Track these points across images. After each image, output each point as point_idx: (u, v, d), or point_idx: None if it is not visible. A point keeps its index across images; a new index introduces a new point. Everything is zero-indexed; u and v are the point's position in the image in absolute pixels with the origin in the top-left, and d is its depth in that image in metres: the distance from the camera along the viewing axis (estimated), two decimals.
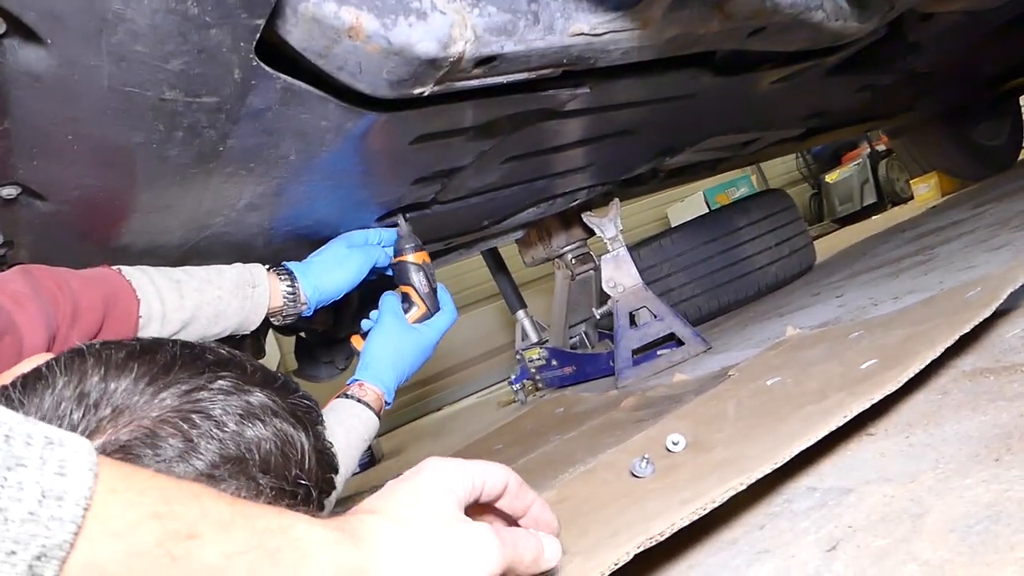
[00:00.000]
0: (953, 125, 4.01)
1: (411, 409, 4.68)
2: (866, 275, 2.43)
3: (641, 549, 0.66)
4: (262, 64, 0.80)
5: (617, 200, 2.56)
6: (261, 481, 0.60)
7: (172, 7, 0.68)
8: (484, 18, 0.83)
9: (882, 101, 2.56)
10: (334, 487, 0.71)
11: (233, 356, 0.67)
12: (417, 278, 1.52)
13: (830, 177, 6.55)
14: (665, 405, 1.72)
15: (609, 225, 2.54)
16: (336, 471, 0.71)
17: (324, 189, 1.22)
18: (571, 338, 3.06)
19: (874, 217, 5.71)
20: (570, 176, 1.86)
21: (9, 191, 1.07)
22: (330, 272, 1.37)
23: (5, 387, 0.59)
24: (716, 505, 0.71)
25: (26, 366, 0.63)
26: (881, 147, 6.28)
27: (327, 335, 2.36)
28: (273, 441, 0.62)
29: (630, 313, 2.47)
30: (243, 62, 0.79)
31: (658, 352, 2.48)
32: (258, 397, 0.64)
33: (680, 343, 2.43)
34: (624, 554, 0.65)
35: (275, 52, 0.83)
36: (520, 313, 3.28)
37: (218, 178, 1.08)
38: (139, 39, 0.72)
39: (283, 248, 1.48)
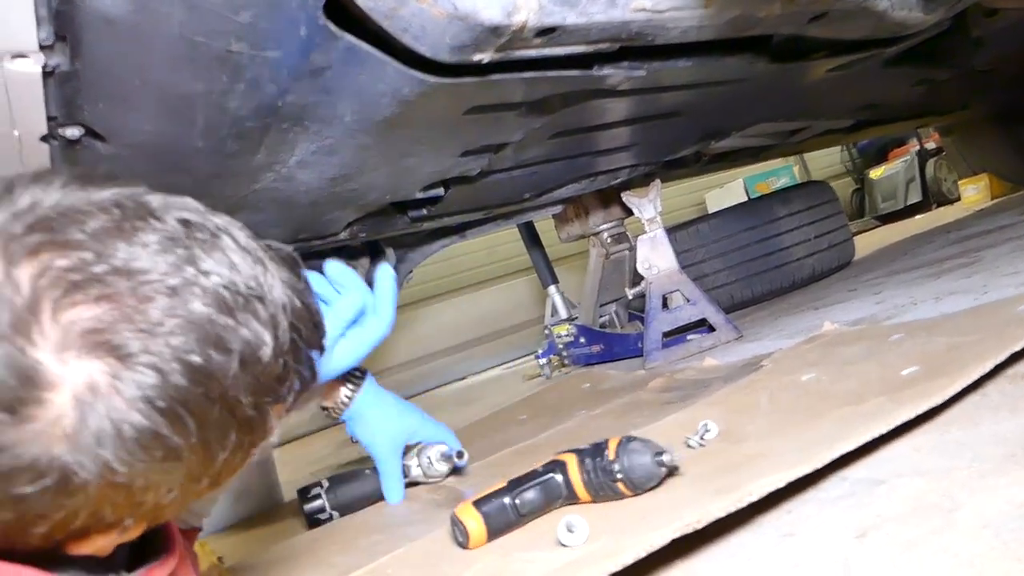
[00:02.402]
0: (1009, 126, 3.90)
1: (436, 377, 4.73)
2: (906, 274, 2.40)
3: (677, 535, 0.68)
4: (328, 22, 0.82)
5: (658, 181, 2.54)
6: (191, 272, 0.55)
7: None
8: None
9: (938, 97, 2.51)
10: (319, 345, 0.67)
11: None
12: None
13: (875, 173, 6.43)
14: (693, 389, 1.72)
15: (648, 206, 2.53)
16: (317, 328, 0.67)
17: (375, 153, 1.24)
18: (601, 317, 3.06)
19: (918, 216, 5.60)
20: (614, 154, 1.85)
21: (73, 132, 1.10)
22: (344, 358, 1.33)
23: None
24: (753, 499, 0.72)
25: None
26: (931, 145, 6.14)
27: None
28: (224, 256, 0.59)
29: (663, 295, 2.47)
30: (310, 19, 0.80)
31: (688, 336, 2.48)
32: (220, 218, 0.63)
33: (711, 329, 2.43)
34: (660, 538, 0.66)
35: (340, 11, 0.84)
36: (551, 288, 3.29)
37: (274, 133, 1.10)
38: None
39: (327, 209, 1.50)
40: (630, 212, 2.74)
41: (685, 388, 1.79)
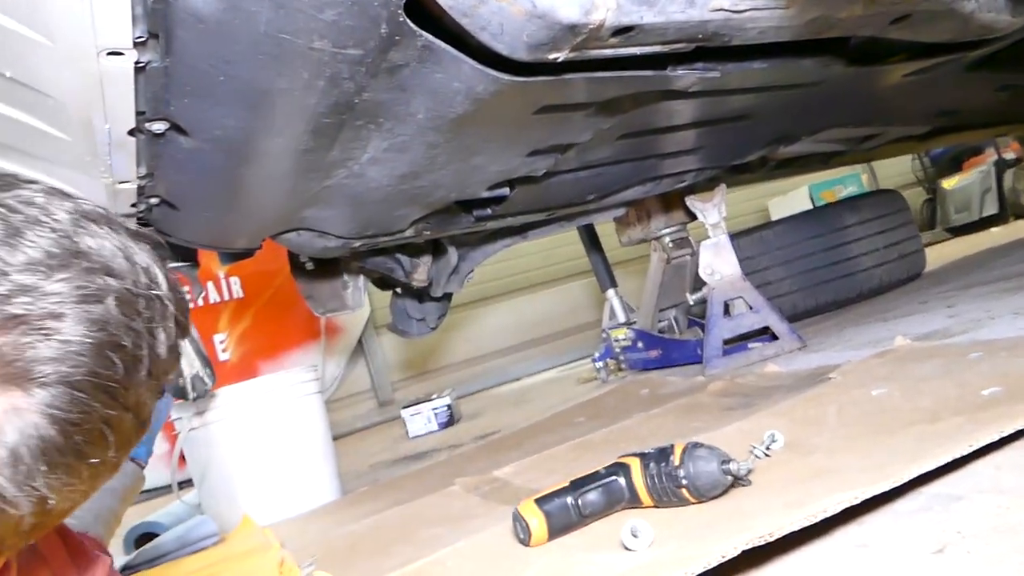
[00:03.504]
0: None
1: (491, 376, 4.75)
2: (981, 287, 2.31)
3: (749, 546, 0.67)
4: (408, 20, 0.83)
5: (723, 186, 2.51)
6: (107, 280, 0.52)
7: None
8: None
9: (1020, 104, 2.41)
10: (177, 311, 0.59)
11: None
12: None
13: (947, 183, 6.21)
14: (755, 396, 1.70)
15: (713, 211, 2.50)
16: (177, 292, 0.60)
17: (444, 151, 1.25)
18: (660, 322, 3.03)
19: (993, 229, 5.39)
20: (680, 157, 1.84)
21: (159, 126, 1.15)
22: None
23: None
24: (827, 515, 0.71)
25: None
26: (1010, 155, 5.89)
27: (422, 293, 2.43)
28: (115, 246, 0.54)
29: (725, 302, 2.43)
30: (391, 17, 0.82)
31: (749, 344, 2.44)
32: (95, 209, 0.56)
33: (774, 337, 2.38)
34: (732, 548, 0.65)
35: (419, 9, 0.85)
36: (610, 292, 3.28)
37: (348, 130, 1.13)
38: None
39: (395, 206, 1.53)
40: (693, 217, 2.71)
41: (747, 394, 1.76)
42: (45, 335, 0.48)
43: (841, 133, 2.09)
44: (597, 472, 0.98)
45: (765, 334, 2.42)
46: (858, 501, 0.72)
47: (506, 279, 5.01)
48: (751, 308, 2.40)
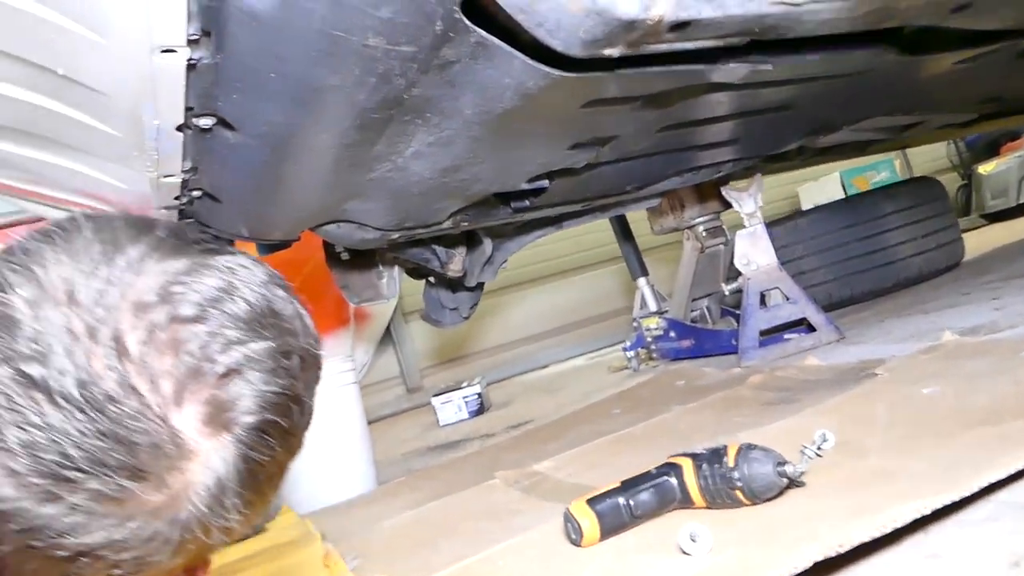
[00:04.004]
0: None
1: (520, 363, 4.75)
2: None
3: (820, 558, 0.66)
4: (463, 17, 0.82)
5: (760, 175, 2.48)
6: (293, 340, 0.57)
7: None
8: None
9: None
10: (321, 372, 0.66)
11: None
12: None
13: (984, 168, 6.07)
14: (797, 391, 1.68)
15: (748, 200, 2.47)
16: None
17: (488, 145, 1.24)
18: (692, 311, 3.01)
19: None
20: (720, 148, 1.81)
21: (206, 121, 1.15)
22: None
23: (23, 239, 0.56)
24: (897, 526, 0.69)
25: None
26: None
27: (455, 282, 2.43)
28: (294, 306, 0.59)
29: (761, 293, 2.41)
30: (446, 14, 0.81)
31: (785, 336, 2.41)
32: (269, 267, 0.61)
33: (811, 329, 2.35)
34: (803, 559, 0.64)
35: (473, 6, 0.84)
36: (641, 280, 3.26)
37: (395, 125, 1.12)
38: None
39: (435, 199, 1.52)
40: (727, 205, 2.68)
41: (788, 388, 1.74)
42: (250, 385, 0.54)
43: (883, 122, 2.05)
44: (648, 472, 0.98)
45: (802, 325, 2.40)
46: (929, 511, 0.70)
47: (535, 265, 4.99)
48: (787, 299, 2.38)
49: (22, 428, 0.48)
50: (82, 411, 0.49)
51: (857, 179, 5.48)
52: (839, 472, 0.95)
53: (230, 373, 0.53)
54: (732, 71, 1.08)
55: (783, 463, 0.89)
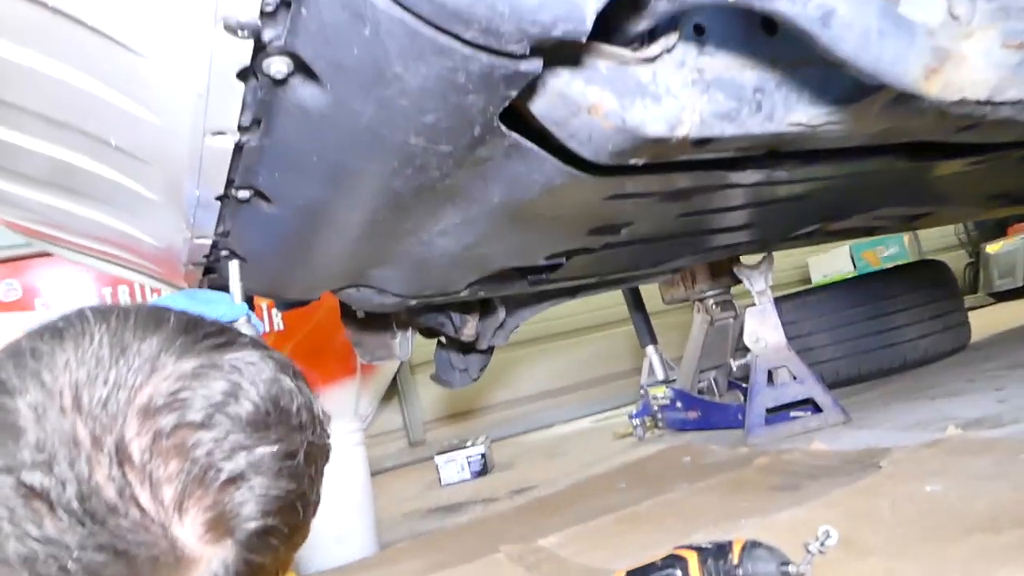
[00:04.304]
0: None
1: (523, 421, 4.75)
2: None
3: None
4: (501, 125, 0.88)
5: (771, 254, 2.53)
6: (300, 436, 0.58)
7: (444, 75, 0.76)
8: (712, 104, 0.87)
9: None
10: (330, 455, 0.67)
11: (225, 323, 0.65)
12: None
13: (992, 247, 6.13)
14: (802, 478, 1.69)
15: (759, 278, 2.52)
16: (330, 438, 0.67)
17: (512, 227, 1.29)
18: (699, 382, 3.03)
19: None
20: (735, 232, 1.86)
21: (244, 193, 1.21)
22: None
23: (28, 337, 0.56)
24: None
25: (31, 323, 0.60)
26: None
27: (467, 344, 2.47)
28: (302, 396, 0.59)
29: (769, 370, 2.43)
30: (486, 122, 0.86)
31: (792, 414, 2.43)
32: (278, 356, 0.61)
33: (817, 409, 2.37)
34: None
35: (510, 112, 0.90)
36: (650, 348, 3.29)
37: (425, 207, 1.18)
38: (406, 95, 0.81)
39: (455, 271, 1.57)
40: (737, 280, 2.73)
41: (794, 473, 1.76)
42: (253, 491, 0.54)
43: (894, 211, 2.10)
44: (653, 563, 1.00)
45: (808, 404, 2.42)
46: None
47: (543, 324, 5.01)
48: (795, 378, 2.40)
49: (22, 541, 0.48)
50: (82, 524, 0.49)
51: (866, 253, 5.54)
52: (841, 571, 0.98)
53: (234, 480, 0.53)
54: (747, 176, 1.13)
55: (787, 563, 0.91)
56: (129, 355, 0.54)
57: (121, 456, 0.51)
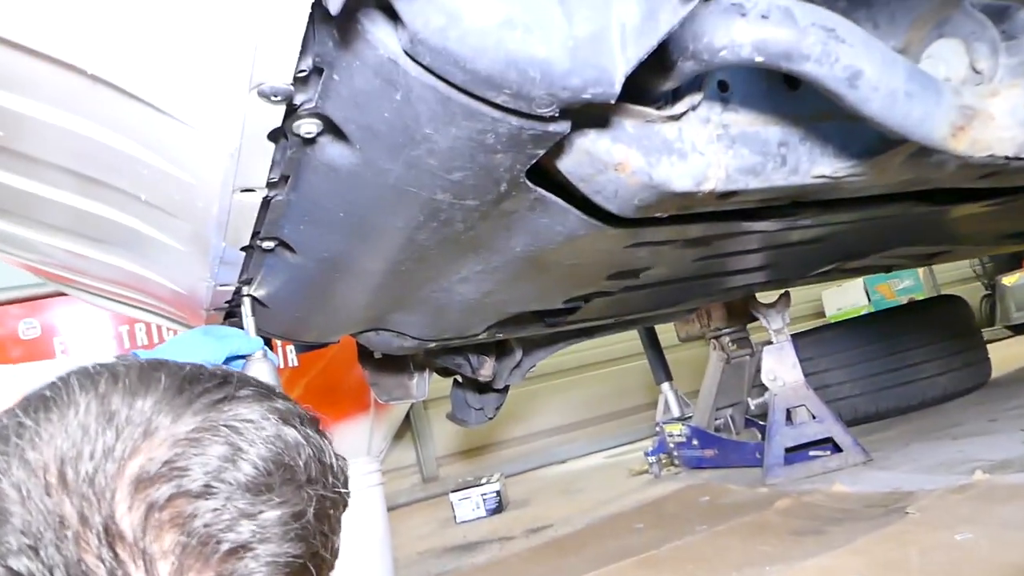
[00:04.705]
0: None
1: (536, 457, 4.72)
2: None
3: None
4: (527, 181, 0.89)
5: (788, 293, 2.52)
6: (308, 490, 0.55)
7: (473, 136, 0.77)
8: (737, 159, 0.88)
9: None
10: (349, 501, 0.64)
11: (233, 370, 0.62)
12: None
13: (1008, 279, 6.10)
14: (826, 522, 1.67)
15: (776, 317, 2.51)
16: (348, 483, 0.64)
17: (532, 274, 1.30)
18: (716, 420, 3.01)
19: None
20: (752, 273, 1.86)
21: (269, 243, 1.22)
22: (177, 358, 1.29)
23: (12, 411, 0.53)
24: None
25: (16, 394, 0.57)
26: None
27: (483, 384, 2.46)
28: (309, 447, 0.56)
29: (787, 409, 2.42)
30: (512, 179, 0.87)
31: (811, 453, 2.41)
32: (282, 403, 0.58)
33: (837, 448, 2.35)
34: None
35: (535, 166, 0.91)
36: (665, 385, 3.27)
37: (447, 257, 1.18)
38: (434, 155, 0.82)
39: (474, 315, 1.58)
40: (753, 318, 2.72)
41: (816, 518, 1.74)
42: (258, 560, 0.51)
43: (911, 250, 2.10)
44: None
45: (827, 443, 2.39)
46: None
47: (555, 359, 4.99)
48: (814, 417, 2.38)
49: None
50: None
51: (881, 286, 5.52)
52: None
53: (238, 550, 0.50)
54: (768, 224, 1.14)
55: None
56: (117, 422, 0.51)
57: (111, 534, 0.48)
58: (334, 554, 0.59)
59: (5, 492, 0.48)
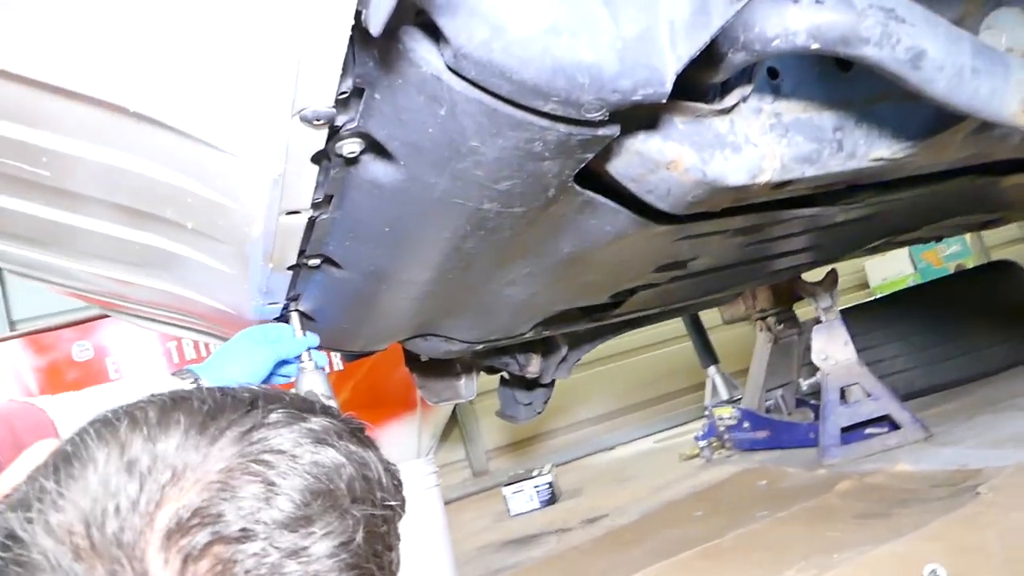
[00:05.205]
0: None
1: (584, 445, 4.71)
2: None
3: None
4: (576, 185, 0.87)
5: (835, 271, 2.47)
6: (354, 512, 0.52)
7: (520, 146, 0.75)
8: (792, 148, 0.85)
9: None
10: (405, 508, 0.61)
11: (263, 390, 0.59)
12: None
13: None
14: (892, 504, 1.63)
15: (824, 295, 2.46)
16: (403, 488, 0.60)
17: (579, 273, 1.28)
18: (766, 401, 2.97)
19: None
20: (800, 254, 1.82)
21: (315, 260, 1.22)
22: (229, 367, 1.28)
23: (33, 478, 0.50)
24: None
25: (33, 456, 0.55)
26: None
27: (531, 380, 2.45)
28: (350, 465, 0.53)
29: (841, 388, 2.37)
30: (560, 184, 0.86)
31: (868, 431, 2.36)
32: (317, 421, 0.55)
33: (895, 425, 2.30)
34: None
35: (583, 171, 0.89)
36: (711, 369, 3.24)
37: (495, 262, 1.17)
38: (481, 167, 0.80)
39: (521, 316, 1.57)
40: (799, 296, 2.67)
41: (881, 500, 1.70)
42: None
43: (964, 220, 2.03)
44: None
45: (884, 420, 2.34)
46: None
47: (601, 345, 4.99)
48: (869, 395, 2.33)
49: None
50: None
51: (927, 253, 5.39)
52: None
53: None
54: (822, 210, 1.10)
55: None
56: (139, 470, 0.48)
57: None
58: (392, 570, 0.56)
59: (35, 563, 0.46)
